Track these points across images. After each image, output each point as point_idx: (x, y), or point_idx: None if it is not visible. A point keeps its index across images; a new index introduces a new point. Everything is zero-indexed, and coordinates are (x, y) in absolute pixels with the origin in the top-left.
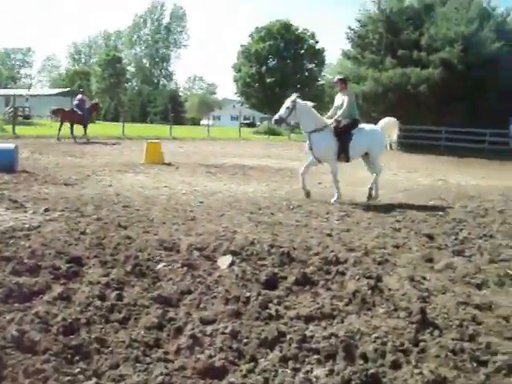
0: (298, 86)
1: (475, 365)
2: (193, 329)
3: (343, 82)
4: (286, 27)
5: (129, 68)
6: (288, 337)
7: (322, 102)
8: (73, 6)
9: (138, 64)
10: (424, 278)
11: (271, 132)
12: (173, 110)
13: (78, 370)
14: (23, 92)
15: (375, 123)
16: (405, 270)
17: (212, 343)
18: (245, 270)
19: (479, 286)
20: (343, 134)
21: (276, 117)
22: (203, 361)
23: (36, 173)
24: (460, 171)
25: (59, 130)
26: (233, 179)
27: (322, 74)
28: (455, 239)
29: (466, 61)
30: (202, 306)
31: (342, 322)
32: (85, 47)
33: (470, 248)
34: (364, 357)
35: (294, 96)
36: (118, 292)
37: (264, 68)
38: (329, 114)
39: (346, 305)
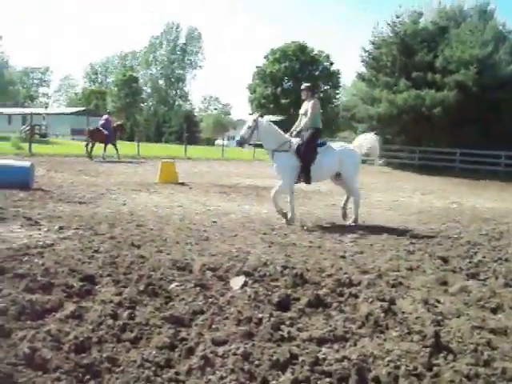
0: None
1: None
2: (204, 349)
3: (309, 89)
4: (301, 49)
5: (144, 88)
6: (300, 359)
7: (337, 124)
8: (90, 27)
9: (153, 84)
10: (438, 302)
11: None
12: (188, 130)
13: None
14: (40, 111)
15: (390, 144)
16: (419, 292)
17: (223, 364)
18: (257, 291)
19: (494, 310)
20: (307, 153)
21: (237, 138)
22: (214, 382)
23: (51, 191)
24: (474, 193)
25: (91, 148)
26: (246, 200)
27: (338, 95)
28: (470, 262)
29: (481, 83)
30: (214, 326)
31: (355, 344)
32: (101, 67)
33: (485, 271)
34: (377, 380)
35: (255, 115)
36: (130, 311)
37: (279, 89)
38: (296, 123)
39: (359, 327)
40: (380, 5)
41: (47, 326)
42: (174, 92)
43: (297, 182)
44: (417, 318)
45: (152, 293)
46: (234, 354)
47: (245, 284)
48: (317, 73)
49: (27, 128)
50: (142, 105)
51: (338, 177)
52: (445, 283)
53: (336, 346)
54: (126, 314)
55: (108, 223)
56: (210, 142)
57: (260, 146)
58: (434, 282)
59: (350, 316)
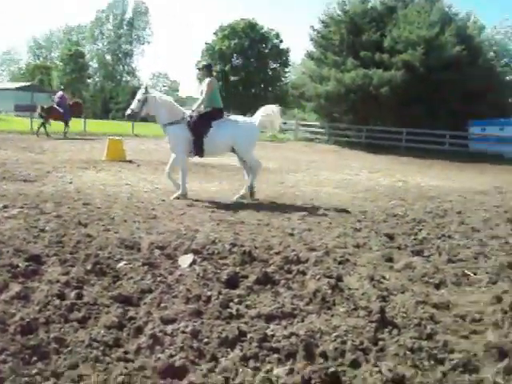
0: (262, 85)
1: (432, 363)
2: (153, 328)
3: (205, 68)
4: (251, 26)
5: (91, 63)
6: (249, 336)
7: (286, 102)
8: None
9: (100, 59)
10: (384, 278)
11: None
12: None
13: (36, 370)
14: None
15: (337, 123)
16: (365, 269)
17: (172, 343)
18: (206, 269)
19: (437, 286)
20: (198, 126)
21: (128, 111)
22: (163, 360)
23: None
24: (420, 172)
25: (41, 126)
26: (194, 177)
27: (287, 73)
28: (414, 239)
29: (428, 63)
30: (162, 305)
31: (303, 321)
32: (45, 41)
33: (429, 248)
34: (324, 356)
35: (144, 88)
36: (77, 291)
37: (228, 66)
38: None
39: (307, 304)
40: None
41: None
42: (121, 68)
43: (190, 156)
44: (363, 294)
45: (100, 272)
46: (183, 332)
47: (193, 262)
48: (266, 50)
49: None
50: (89, 80)
51: (234, 150)
52: (390, 260)
53: (284, 323)
54: (73, 293)
55: (54, 202)
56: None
57: None
58: (379, 258)
59: (298, 293)
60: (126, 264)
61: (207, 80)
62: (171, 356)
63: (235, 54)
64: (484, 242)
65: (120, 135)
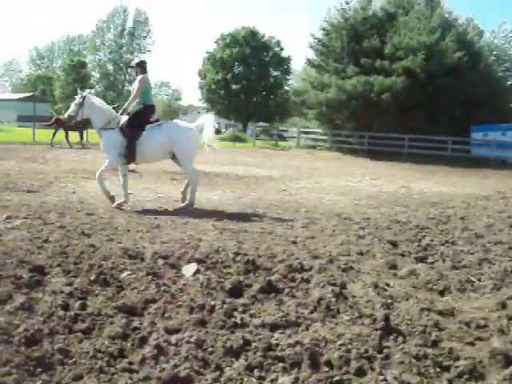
0: (264, 93)
1: (438, 370)
2: (157, 338)
3: (138, 66)
4: (252, 34)
5: (93, 73)
6: (253, 345)
7: (288, 110)
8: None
9: (102, 69)
10: (388, 285)
11: (236, 139)
12: None
13: (41, 382)
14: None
15: (340, 130)
16: (369, 276)
17: (177, 353)
18: (210, 278)
19: (442, 292)
20: (130, 129)
21: (65, 115)
22: (168, 370)
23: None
24: (423, 178)
25: (53, 136)
26: (197, 186)
27: (288, 81)
28: (418, 246)
29: (428, 69)
30: (166, 314)
31: (307, 329)
32: (47, 51)
33: (433, 254)
34: (329, 364)
35: (81, 92)
36: (81, 301)
37: (230, 75)
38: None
39: (311, 312)
40: None
41: None
42: (122, 77)
43: (125, 162)
44: (367, 301)
45: (103, 282)
46: (188, 342)
47: (197, 271)
48: (267, 58)
49: None
50: (91, 90)
51: (175, 157)
52: (394, 267)
53: (288, 332)
54: (77, 304)
55: (57, 212)
56: None
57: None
58: (383, 265)
59: (302, 301)
60: (129, 274)
61: (139, 77)
62: (176, 366)
63: (236, 63)
64: (488, 248)
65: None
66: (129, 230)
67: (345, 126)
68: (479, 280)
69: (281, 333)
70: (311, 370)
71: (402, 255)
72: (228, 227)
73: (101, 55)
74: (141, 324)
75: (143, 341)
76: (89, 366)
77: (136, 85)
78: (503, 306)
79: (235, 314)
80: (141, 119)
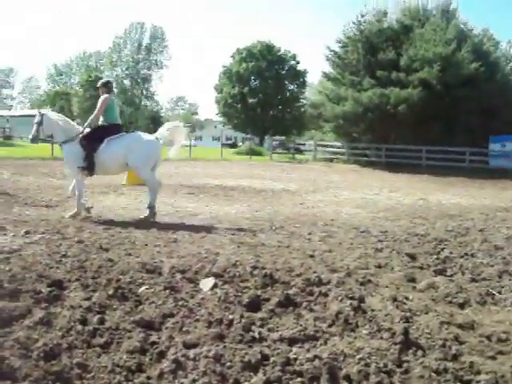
0: (280, 106)
1: None
2: (175, 353)
3: (104, 86)
4: (268, 48)
5: None
6: (271, 360)
7: (304, 123)
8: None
9: (119, 85)
10: (407, 298)
11: (253, 152)
12: (154, 131)
13: None
14: (4, 113)
15: (356, 143)
16: (387, 290)
17: (195, 367)
18: (227, 292)
19: (461, 305)
20: (88, 141)
21: (29, 136)
22: None
23: (16, 194)
24: (441, 190)
25: None
26: (215, 200)
27: (304, 94)
28: (437, 258)
29: (445, 81)
30: (184, 329)
31: (326, 343)
32: (65, 68)
33: (452, 267)
34: (348, 379)
35: (39, 111)
36: (99, 316)
37: (246, 88)
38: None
39: (329, 326)
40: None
41: (15, 333)
42: (139, 92)
43: (85, 174)
44: (386, 315)
45: (121, 297)
46: (206, 357)
47: (214, 285)
48: (283, 72)
49: None
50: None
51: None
52: (413, 280)
53: (307, 346)
54: (95, 318)
55: (75, 227)
56: None
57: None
58: (402, 278)
59: (320, 315)
60: (147, 288)
61: (102, 96)
62: (194, 381)
63: (253, 76)
64: (508, 260)
65: None
66: (146, 245)
67: (361, 139)
68: (499, 293)
69: (299, 347)
70: None
71: (421, 268)
72: (245, 241)
73: (118, 71)
74: (159, 338)
75: (161, 355)
76: (107, 380)
77: (98, 104)
78: None
79: (253, 328)
80: (101, 134)
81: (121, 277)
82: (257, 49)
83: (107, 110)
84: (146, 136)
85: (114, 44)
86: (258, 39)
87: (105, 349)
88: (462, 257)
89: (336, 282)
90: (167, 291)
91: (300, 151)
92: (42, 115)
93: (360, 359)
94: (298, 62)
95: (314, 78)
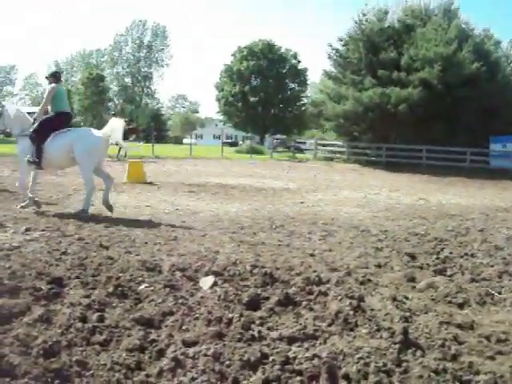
0: (281, 105)
1: None
2: (175, 351)
3: (51, 76)
4: (269, 47)
5: (111, 86)
6: (271, 358)
7: (305, 122)
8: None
9: (120, 82)
10: (406, 298)
11: (253, 151)
12: (155, 129)
13: None
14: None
15: (357, 141)
16: (387, 289)
17: (194, 365)
18: (227, 290)
19: (461, 306)
20: (37, 134)
21: None
22: (185, 383)
23: (17, 192)
24: (441, 190)
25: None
26: (215, 199)
27: (305, 93)
28: (437, 258)
29: (445, 80)
30: (184, 327)
31: (325, 342)
32: (65, 65)
33: (452, 267)
34: (347, 378)
35: (2, 103)
36: (99, 313)
37: (247, 87)
38: None
39: (329, 325)
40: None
41: (15, 330)
42: (140, 90)
43: (34, 167)
44: (385, 314)
45: (121, 294)
46: (205, 355)
47: (214, 284)
48: (284, 71)
49: None
50: (109, 103)
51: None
52: (412, 279)
53: (306, 345)
54: (95, 316)
55: (75, 224)
56: (177, 141)
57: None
58: (401, 278)
59: (320, 314)
60: (147, 286)
61: (49, 87)
62: (193, 379)
63: (253, 75)
64: (508, 260)
65: (140, 157)
66: (146, 243)
67: (362, 138)
68: (499, 293)
69: (298, 346)
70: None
71: (421, 268)
72: (245, 240)
73: (119, 68)
74: (158, 336)
75: (161, 353)
76: (106, 378)
77: (45, 94)
78: None
79: (252, 326)
80: (50, 125)
81: (121, 274)
82: (258, 47)
83: (55, 100)
84: (91, 131)
85: (115, 42)
86: (260, 38)
87: (104, 346)
88: (461, 257)
89: (336, 281)
90: (167, 289)
91: (300, 150)
92: (2, 107)
93: (359, 358)
94: (298, 61)
95: (314, 76)
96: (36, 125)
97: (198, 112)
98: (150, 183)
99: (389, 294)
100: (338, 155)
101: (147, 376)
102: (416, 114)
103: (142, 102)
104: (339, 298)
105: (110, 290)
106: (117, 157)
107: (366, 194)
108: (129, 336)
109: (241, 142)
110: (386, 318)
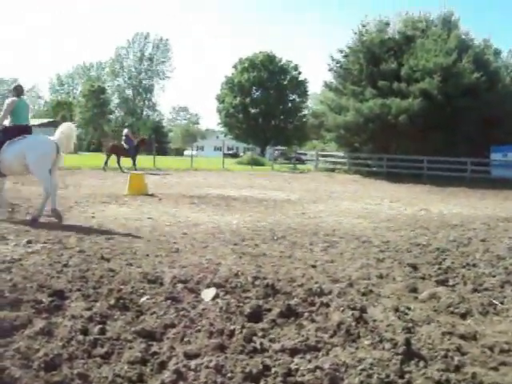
0: (282, 116)
1: None
2: (177, 363)
3: (14, 90)
4: (270, 59)
5: (112, 99)
6: (273, 370)
7: (306, 133)
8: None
9: (121, 95)
10: (408, 309)
11: (254, 162)
12: (156, 141)
13: None
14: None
15: (358, 152)
16: (389, 300)
17: (196, 378)
18: (229, 302)
19: (463, 316)
20: None
21: None
22: None
23: (18, 204)
24: (442, 200)
25: (106, 161)
26: (216, 210)
27: (305, 104)
28: (439, 269)
29: (445, 91)
30: (185, 339)
31: (327, 354)
32: (67, 78)
33: (454, 277)
34: None
35: None
36: (100, 326)
37: (248, 99)
38: None
39: (331, 337)
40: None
41: (16, 343)
42: (142, 102)
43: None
44: (388, 325)
45: (123, 307)
46: (207, 367)
47: (216, 296)
48: (285, 82)
49: None
50: (110, 116)
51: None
52: (415, 290)
53: (308, 356)
54: (96, 329)
55: (77, 236)
56: (179, 153)
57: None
58: (404, 289)
59: (322, 325)
60: (148, 298)
61: (8, 100)
62: None
63: (254, 87)
64: (510, 270)
65: (142, 169)
66: (148, 255)
67: (363, 149)
68: (502, 303)
69: (301, 358)
70: None
71: (423, 278)
72: (247, 251)
73: (120, 81)
74: (160, 349)
75: (162, 366)
76: None
77: (4, 107)
78: None
79: (254, 338)
80: (7, 135)
81: (122, 287)
82: (259, 59)
83: (14, 113)
84: (43, 139)
85: (117, 54)
86: (260, 50)
87: (106, 359)
88: (463, 267)
89: (337, 292)
90: (168, 301)
91: (302, 161)
92: None
93: (362, 370)
94: (299, 73)
95: (315, 87)
96: None
97: (198, 124)
98: (152, 195)
99: (391, 305)
100: (339, 166)
101: None
102: (416, 124)
103: (143, 114)
104: (341, 309)
105: (112, 302)
106: (127, 168)
107: (368, 204)
108: (130, 348)
109: (242, 154)
110: (389, 329)
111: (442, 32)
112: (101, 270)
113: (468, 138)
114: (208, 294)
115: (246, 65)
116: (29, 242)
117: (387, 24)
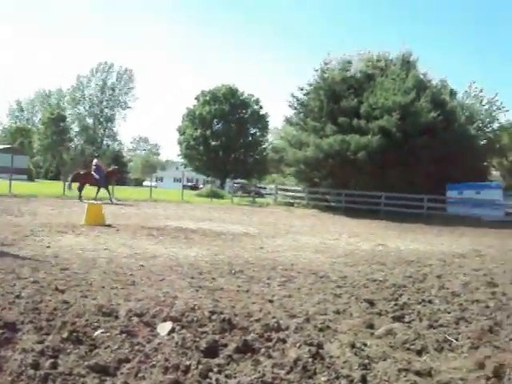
0: (242, 149)
1: None
2: None
3: None
4: (232, 92)
5: (72, 126)
6: None
7: (266, 167)
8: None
9: (81, 123)
10: (365, 345)
11: (214, 195)
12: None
13: None
14: None
15: (317, 187)
16: (346, 336)
17: None
18: (185, 337)
19: (419, 352)
20: None
21: None
22: None
23: None
24: (399, 236)
25: (79, 191)
26: (174, 242)
27: (266, 138)
28: (395, 305)
29: (404, 129)
30: (140, 375)
31: None
32: (27, 105)
33: (410, 313)
34: None
35: None
36: (52, 360)
37: (209, 131)
38: None
39: (288, 373)
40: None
41: None
42: (102, 131)
43: None
44: (344, 362)
45: (76, 340)
46: None
47: (172, 330)
48: (246, 116)
49: None
50: (70, 143)
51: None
52: (371, 326)
53: None
54: (48, 363)
55: (31, 267)
56: (138, 183)
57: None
58: (360, 325)
59: (279, 361)
60: (103, 332)
61: None
62: None
63: (216, 119)
64: (464, 307)
65: (100, 199)
66: (103, 287)
67: (322, 184)
68: (456, 339)
69: None
70: None
71: (379, 314)
72: (204, 285)
73: (81, 109)
74: None
75: None
76: None
77: None
78: (481, 366)
79: (210, 374)
80: None
81: (76, 319)
82: (221, 92)
83: None
84: None
85: (78, 82)
86: (223, 82)
87: None
88: (419, 303)
89: (294, 327)
90: (123, 335)
91: (261, 195)
92: None
93: None
94: (260, 107)
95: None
96: None
97: (159, 154)
98: (109, 225)
99: (347, 341)
100: (298, 200)
101: None
102: (375, 161)
103: (103, 143)
104: (298, 344)
105: (65, 335)
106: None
107: (326, 239)
108: (83, 383)
109: (202, 186)
110: (345, 365)
111: (401, 71)
112: (55, 302)
113: (425, 175)
114: (164, 328)
115: (208, 97)
116: None
117: (349, 62)
